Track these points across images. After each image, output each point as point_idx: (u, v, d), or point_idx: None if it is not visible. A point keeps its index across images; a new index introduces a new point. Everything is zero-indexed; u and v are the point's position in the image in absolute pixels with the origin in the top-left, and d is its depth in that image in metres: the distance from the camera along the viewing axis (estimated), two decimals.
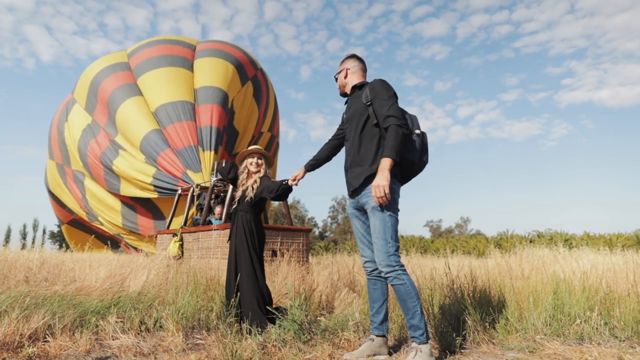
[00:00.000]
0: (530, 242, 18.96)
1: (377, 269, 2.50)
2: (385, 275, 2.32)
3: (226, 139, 10.48)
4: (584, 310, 3.09)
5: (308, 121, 75.40)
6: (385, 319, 2.54)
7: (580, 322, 2.97)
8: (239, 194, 3.42)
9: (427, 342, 2.26)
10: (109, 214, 11.05)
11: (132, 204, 10.73)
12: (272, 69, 70.92)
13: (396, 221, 2.36)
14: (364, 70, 2.77)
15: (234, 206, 3.43)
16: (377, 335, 2.51)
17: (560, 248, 7.30)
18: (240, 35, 71.17)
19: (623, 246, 10.61)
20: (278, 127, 13.79)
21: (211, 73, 10.92)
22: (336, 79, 2.82)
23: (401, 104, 2.51)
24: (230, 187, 6.77)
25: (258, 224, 3.38)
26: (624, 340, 2.86)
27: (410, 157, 2.43)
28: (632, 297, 3.23)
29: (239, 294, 3.13)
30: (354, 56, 2.78)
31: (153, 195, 10.01)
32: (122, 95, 10.50)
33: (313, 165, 2.90)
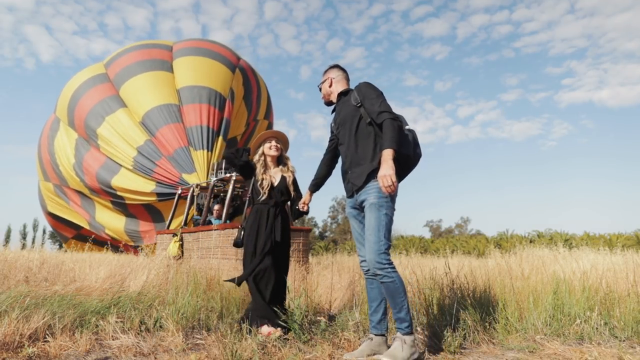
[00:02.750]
0: (530, 242, 18.96)
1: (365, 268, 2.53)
2: (376, 273, 2.35)
3: (220, 135, 10.43)
4: (584, 310, 3.09)
5: (308, 121, 75.33)
6: (384, 317, 2.55)
7: (580, 322, 2.97)
8: (265, 184, 3.14)
9: (411, 334, 2.32)
10: (114, 235, 11.12)
11: (135, 213, 10.76)
12: (272, 69, 70.95)
13: (390, 221, 2.39)
14: (348, 79, 2.84)
15: (263, 197, 3.15)
16: (375, 335, 2.52)
17: (560, 248, 7.29)
18: (240, 35, 71.20)
19: (623, 246, 10.60)
20: (273, 114, 13.83)
21: (194, 72, 10.84)
22: (320, 89, 2.88)
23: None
24: (231, 186, 6.77)
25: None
26: (624, 340, 2.86)
27: (405, 151, 2.47)
28: (632, 297, 3.23)
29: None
30: (336, 66, 2.86)
31: (152, 199, 10.08)
32: (107, 109, 10.40)
33: (316, 184, 2.96)
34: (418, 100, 67.65)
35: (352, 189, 2.52)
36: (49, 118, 12.43)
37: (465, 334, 2.86)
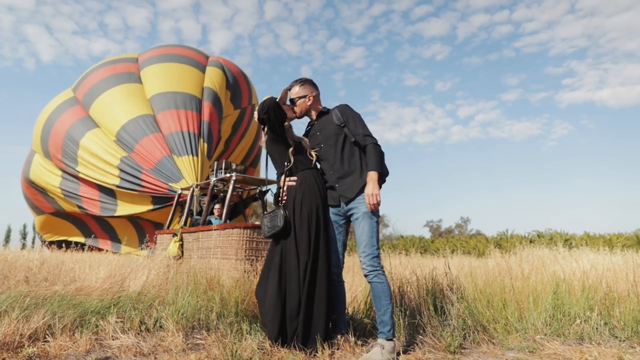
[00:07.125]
0: (530, 242, 18.95)
1: (336, 274, 2.68)
2: (367, 274, 2.54)
3: (202, 137, 10.34)
4: (584, 310, 3.09)
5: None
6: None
7: (580, 322, 2.97)
8: (306, 145, 2.85)
9: (392, 340, 2.46)
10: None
11: (150, 237, 10.87)
12: (272, 69, 70.85)
13: (379, 227, 2.62)
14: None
15: (313, 160, 2.80)
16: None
17: (560, 248, 7.30)
18: (241, 35, 71.09)
19: (623, 246, 10.60)
20: None
21: (164, 78, 10.73)
22: (293, 101, 2.87)
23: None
24: (231, 186, 6.77)
25: None
26: (624, 340, 2.86)
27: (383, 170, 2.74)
28: (632, 297, 3.23)
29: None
30: (311, 82, 2.92)
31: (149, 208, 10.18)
32: (78, 134, 10.24)
33: None
34: (418, 100, 67.47)
35: (343, 201, 2.67)
36: (27, 152, 12.44)
37: (465, 334, 2.86)
